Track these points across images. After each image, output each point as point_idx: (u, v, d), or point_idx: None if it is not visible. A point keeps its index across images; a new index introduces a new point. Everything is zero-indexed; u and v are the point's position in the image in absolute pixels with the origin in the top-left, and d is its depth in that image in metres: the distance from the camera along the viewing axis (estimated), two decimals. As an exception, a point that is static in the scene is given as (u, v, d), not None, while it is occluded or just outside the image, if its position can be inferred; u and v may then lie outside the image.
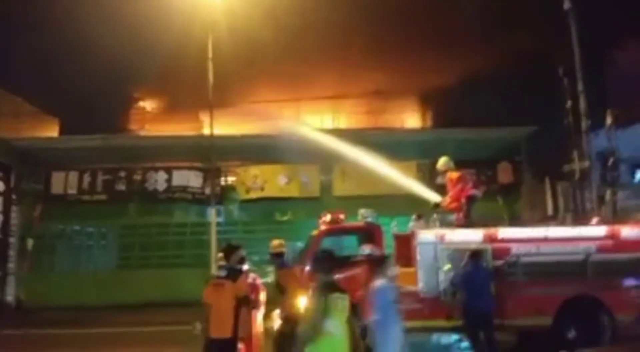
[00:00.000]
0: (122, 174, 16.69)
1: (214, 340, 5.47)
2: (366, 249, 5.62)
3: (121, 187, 16.65)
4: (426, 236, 7.92)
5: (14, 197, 16.56)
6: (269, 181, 17.04)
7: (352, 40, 18.54)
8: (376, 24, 18.66)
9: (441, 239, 7.81)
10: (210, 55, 14.09)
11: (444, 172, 8.93)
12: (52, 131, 18.81)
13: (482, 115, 17.46)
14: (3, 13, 16.78)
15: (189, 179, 16.87)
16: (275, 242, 6.91)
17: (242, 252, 6.08)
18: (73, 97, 17.10)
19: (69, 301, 15.35)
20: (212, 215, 14.80)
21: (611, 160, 12.16)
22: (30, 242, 16.46)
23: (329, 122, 19.58)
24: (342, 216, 8.77)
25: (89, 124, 16.84)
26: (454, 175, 8.65)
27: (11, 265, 16.51)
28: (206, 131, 15.16)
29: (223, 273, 5.80)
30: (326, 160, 16.60)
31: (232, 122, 16.22)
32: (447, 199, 8.69)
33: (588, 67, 13.06)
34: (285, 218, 17.68)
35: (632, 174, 17.49)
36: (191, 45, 14.49)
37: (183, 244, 16.97)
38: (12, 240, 16.50)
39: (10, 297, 16.36)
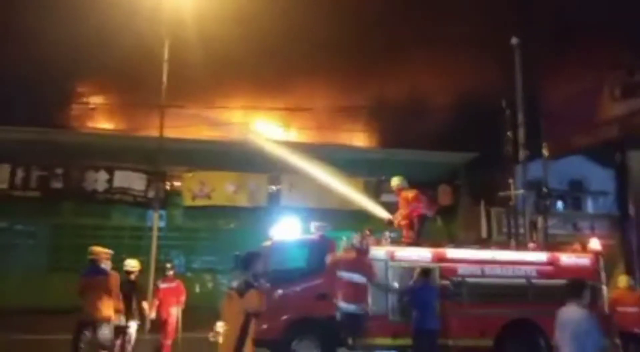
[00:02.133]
0: (59, 171, 15.72)
1: None
2: None
3: (57, 184, 15.68)
4: (377, 252, 8.14)
5: None
6: (216, 188, 16.78)
7: (308, 53, 18.83)
8: (331, 39, 19.06)
9: (391, 256, 8.05)
10: (166, 57, 13.77)
11: (399, 190, 9.19)
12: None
13: (426, 138, 18.34)
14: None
15: (132, 181, 16.24)
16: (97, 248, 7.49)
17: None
18: (10, 86, 15.98)
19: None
20: (155, 219, 14.31)
21: (544, 189, 13.09)
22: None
23: (279, 134, 19.64)
24: (298, 228, 8.85)
25: (25, 115, 15.82)
26: (410, 193, 8.93)
27: None
28: (154, 133, 14.71)
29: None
30: (275, 171, 16.68)
31: (182, 125, 15.85)
32: (399, 216, 8.98)
33: (528, 100, 14.08)
34: (230, 227, 17.46)
35: (555, 204, 19.02)
36: (147, 44, 14.09)
37: (120, 248, 16.22)
38: None
39: None
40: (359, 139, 21.39)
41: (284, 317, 7.78)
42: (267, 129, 19.45)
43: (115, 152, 15.82)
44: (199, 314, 11.32)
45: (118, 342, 7.87)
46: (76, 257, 15.60)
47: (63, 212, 16.16)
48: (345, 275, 7.74)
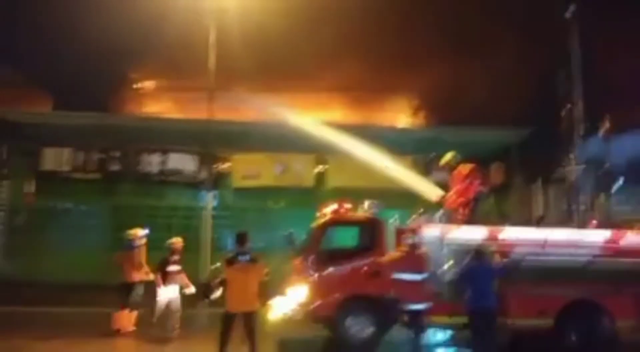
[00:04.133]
0: (117, 154, 16.48)
1: None
2: None
3: (115, 167, 16.45)
4: (430, 231, 8.04)
5: (4, 171, 16.27)
6: (264, 169, 17.06)
7: (353, 31, 18.51)
8: (377, 19, 18.65)
9: (446, 235, 7.93)
10: (212, 41, 13.95)
11: (452, 167, 8.93)
12: (44, 106, 18.35)
13: (477, 115, 17.72)
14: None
15: (184, 162, 16.76)
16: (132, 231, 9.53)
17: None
18: (68, 73, 16.69)
19: (58, 278, 15.28)
20: (208, 200, 14.70)
21: (605, 165, 12.46)
22: (20, 218, 16.21)
23: (327, 115, 19.56)
24: (348, 206, 8.83)
25: (83, 101, 16.51)
26: (465, 169, 8.61)
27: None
28: (205, 116, 15.02)
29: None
30: (322, 151, 16.71)
31: (232, 108, 16.09)
32: (453, 194, 8.76)
33: (587, 73, 13.35)
34: (278, 207, 17.71)
35: (617, 181, 18.02)
36: (196, 28, 14.29)
37: (172, 227, 16.84)
38: (0, 214, 16.22)
39: (-5, 272, 16.08)
40: (406, 118, 21.03)
41: (338, 294, 7.87)
42: (313, 110, 19.43)
43: (169, 135, 16.29)
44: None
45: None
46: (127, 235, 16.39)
47: (121, 193, 16.86)
48: (402, 276, 7.65)
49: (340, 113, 19.44)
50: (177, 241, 9.03)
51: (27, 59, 16.83)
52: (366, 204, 8.78)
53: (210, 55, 13.86)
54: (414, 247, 7.79)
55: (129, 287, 9.24)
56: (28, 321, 10.88)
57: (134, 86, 19.07)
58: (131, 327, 9.30)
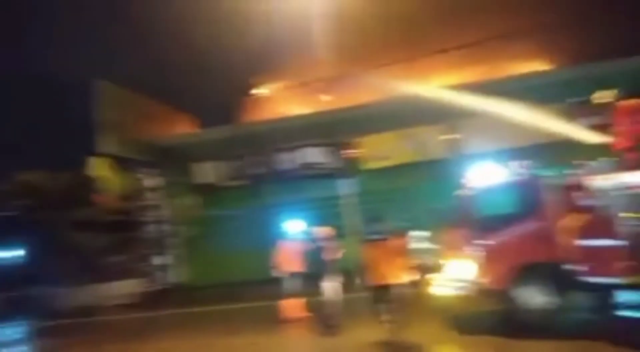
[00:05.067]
0: (256, 158, 17.67)
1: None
2: None
3: (257, 170, 17.65)
4: (602, 183, 7.13)
5: (165, 190, 18.47)
6: (392, 148, 16.83)
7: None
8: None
9: (618, 184, 6.97)
10: (320, 28, 14.01)
11: (611, 106, 7.82)
12: (187, 127, 20.36)
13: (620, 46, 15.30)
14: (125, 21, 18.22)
15: (316, 155, 17.29)
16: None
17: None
18: (200, 93, 18.23)
19: (226, 279, 17.00)
20: (345, 187, 14.95)
21: None
22: (190, 229, 18.30)
23: (450, 79, 18.57)
24: (494, 171, 8.27)
25: (218, 115, 17.99)
26: (629, 105, 7.41)
27: (172, 251, 18.53)
28: (326, 107, 15.28)
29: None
30: (451, 119, 15.95)
31: (353, 92, 16.13)
32: (617, 136, 7.65)
33: None
34: (414, 183, 17.38)
35: None
36: (303, 21, 14.50)
37: (319, 217, 17.45)
38: (169, 229, 18.48)
39: (177, 280, 18.41)
40: (535, 63, 19.08)
41: (507, 265, 7.34)
42: (434, 76, 18.61)
43: (299, 131, 16.91)
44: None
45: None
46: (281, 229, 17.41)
47: (266, 194, 17.98)
48: (589, 243, 6.88)
49: (464, 74, 18.33)
50: (320, 230, 9.28)
51: (162, 88, 18.65)
52: (515, 164, 8.12)
53: (321, 45, 13.93)
54: (587, 204, 6.96)
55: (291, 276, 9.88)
56: (211, 319, 12.17)
57: (259, 91, 20.17)
58: (300, 315, 9.83)
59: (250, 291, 14.77)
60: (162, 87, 18.31)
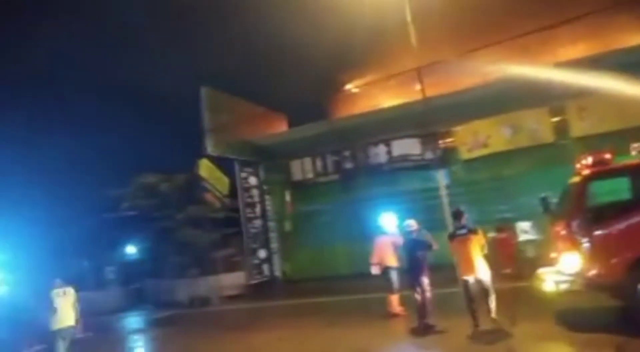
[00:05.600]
0: (347, 153, 17.86)
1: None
2: None
3: (348, 165, 17.85)
4: None
5: (264, 188, 19.42)
6: (491, 135, 16.02)
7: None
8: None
9: None
10: (409, 18, 13.68)
11: None
12: (281, 126, 21.15)
13: None
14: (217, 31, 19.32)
15: (408, 147, 17.03)
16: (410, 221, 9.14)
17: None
18: (291, 92, 18.80)
19: (322, 272, 17.48)
20: (439, 179, 14.53)
21: None
22: (287, 225, 19.10)
23: (550, 56, 17.18)
24: (608, 156, 7.55)
25: (310, 113, 18.45)
26: None
27: (274, 245, 19.43)
28: (418, 97, 14.90)
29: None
30: (556, 100, 14.81)
31: (443, 80, 15.61)
32: None
33: None
34: (515, 172, 16.42)
35: None
36: (386, 13, 14.28)
37: (414, 211, 17.21)
38: (270, 224, 19.39)
39: (277, 273, 19.29)
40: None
41: (626, 256, 6.61)
42: (533, 55, 17.33)
43: (389, 124, 16.77)
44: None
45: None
46: (377, 224, 17.43)
47: (359, 188, 18.09)
48: None
49: (568, 51, 16.86)
50: (413, 223, 9.12)
51: (260, 87, 19.55)
52: (634, 147, 7.35)
53: (410, 33, 13.57)
54: None
55: (388, 271, 9.89)
56: (314, 310, 12.60)
57: (347, 86, 20.30)
58: (398, 309, 9.86)
59: (346, 284, 15.03)
60: (255, 88, 19.23)
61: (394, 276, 9.93)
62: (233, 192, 18.45)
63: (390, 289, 9.97)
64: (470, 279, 7.72)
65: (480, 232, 7.99)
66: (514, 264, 12.63)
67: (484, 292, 7.69)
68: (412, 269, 8.76)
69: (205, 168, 17.33)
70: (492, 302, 7.67)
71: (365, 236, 17.57)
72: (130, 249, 22.00)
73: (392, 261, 9.98)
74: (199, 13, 19.92)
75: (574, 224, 7.06)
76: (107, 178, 18.98)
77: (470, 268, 7.72)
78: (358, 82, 20.54)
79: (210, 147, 16.80)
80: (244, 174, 18.81)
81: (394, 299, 9.97)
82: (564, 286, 7.14)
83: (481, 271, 7.71)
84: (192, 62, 19.78)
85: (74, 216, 19.76)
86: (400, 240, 9.49)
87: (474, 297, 7.71)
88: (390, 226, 10.21)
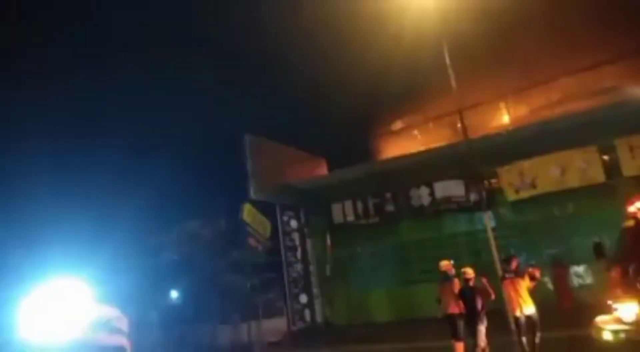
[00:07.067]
0: (389, 195, 17.67)
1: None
2: None
3: (390, 208, 17.61)
4: None
5: (305, 231, 19.38)
6: (539, 175, 15.47)
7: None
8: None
9: None
10: (448, 61, 13.73)
11: None
12: (321, 169, 21.30)
13: None
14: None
15: (452, 189, 16.69)
16: (444, 262, 9.52)
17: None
18: (331, 135, 19.04)
19: (364, 318, 16.99)
20: (485, 221, 14.06)
21: None
22: (328, 268, 18.85)
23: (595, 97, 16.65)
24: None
25: (350, 155, 18.51)
26: None
27: (315, 290, 19.13)
28: (459, 138, 14.72)
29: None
30: (604, 138, 14.30)
31: (485, 120, 15.42)
32: None
33: None
34: (565, 213, 15.72)
35: None
36: (424, 53, 14.38)
37: (459, 255, 16.65)
38: (311, 268, 19.20)
39: (319, 318, 18.86)
40: None
41: None
42: (580, 93, 16.86)
43: (430, 166, 16.54)
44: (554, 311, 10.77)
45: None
46: (421, 268, 16.95)
47: (401, 231, 17.77)
48: None
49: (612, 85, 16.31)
50: (468, 271, 9.01)
51: (300, 131, 19.83)
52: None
53: (450, 75, 13.58)
54: None
55: (452, 318, 9.22)
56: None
57: (388, 128, 20.37)
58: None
59: (390, 331, 14.45)
60: (295, 131, 19.56)
61: (454, 324, 9.20)
62: (274, 236, 18.49)
63: (455, 337, 9.22)
64: (520, 315, 8.28)
65: (526, 276, 8.49)
66: (571, 297, 12.16)
67: (532, 327, 8.24)
68: (469, 317, 8.74)
69: (248, 212, 17.53)
70: (538, 339, 8.19)
71: (408, 281, 17.27)
72: (174, 294, 22.19)
73: (453, 308, 9.27)
74: (237, 60, 20.66)
75: (631, 269, 6.60)
76: (151, 224, 19.37)
77: (519, 305, 8.31)
78: (399, 123, 20.63)
79: (253, 192, 17.10)
80: (285, 218, 18.88)
81: (459, 347, 9.31)
82: (623, 335, 6.62)
83: (529, 308, 8.28)
84: (234, 107, 20.36)
85: (120, 264, 20.21)
86: (458, 286, 9.17)
87: (523, 332, 8.30)
88: (448, 271, 9.58)
